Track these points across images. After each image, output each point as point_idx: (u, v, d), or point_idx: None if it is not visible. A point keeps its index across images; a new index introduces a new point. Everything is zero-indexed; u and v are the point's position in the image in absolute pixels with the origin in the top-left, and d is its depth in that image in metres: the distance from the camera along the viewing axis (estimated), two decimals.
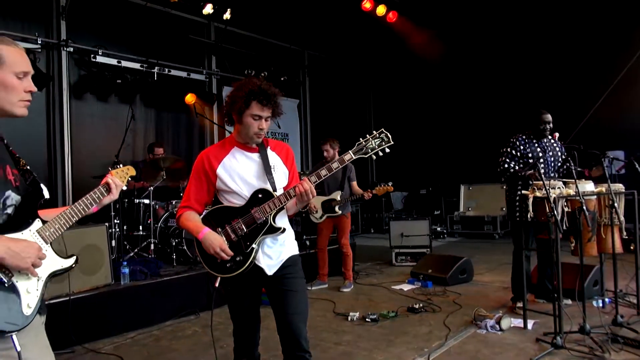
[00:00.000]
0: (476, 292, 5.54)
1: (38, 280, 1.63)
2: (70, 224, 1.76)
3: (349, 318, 4.63)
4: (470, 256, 7.51)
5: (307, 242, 6.84)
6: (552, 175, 4.60)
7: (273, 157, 2.50)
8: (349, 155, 2.35)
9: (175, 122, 8.44)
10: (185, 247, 5.56)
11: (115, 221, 5.61)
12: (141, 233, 5.83)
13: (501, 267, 6.81)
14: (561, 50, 9.35)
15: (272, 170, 2.44)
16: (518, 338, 3.94)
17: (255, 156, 2.45)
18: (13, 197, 1.65)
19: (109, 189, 1.90)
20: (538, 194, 4.00)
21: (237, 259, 2.32)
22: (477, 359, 3.55)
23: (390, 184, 5.55)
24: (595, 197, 4.21)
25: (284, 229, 2.39)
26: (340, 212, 5.79)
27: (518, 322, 4.26)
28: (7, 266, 1.50)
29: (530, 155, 4.63)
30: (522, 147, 4.67)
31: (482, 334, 4.07)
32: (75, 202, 1.80)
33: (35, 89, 1.68)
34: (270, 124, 2.44)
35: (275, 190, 2.39)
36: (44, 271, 1.65)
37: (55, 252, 1.72)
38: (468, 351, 3.71)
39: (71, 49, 6.89)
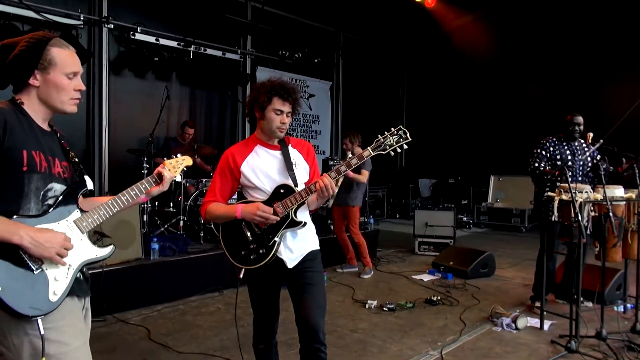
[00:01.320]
0: (496, 287, 5.56)
1: (68, 268, 1.68)
2: (111, 214, 1.82)
3: (367, 306, 4.74)
4: (494, 249, 7.53)
5: (332, 227, 6.93)
6: (580, 179, 4.55)
7: (294, 154, 2.59)
8: (368, 152, 2.42)
9: (208, 101, 8.60)
10: (212, 226, 5.75)
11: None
12: (171, 209, 6.05)
13: (525, 262, 6.78)
14: (603, 48, 9.05)
15: (294, 166, 2.53)
16: (533, 338, 3.97)
17: (277, 153, 2.55)
18: (57, 189, 1.71)
19: (159, 180, 1.96)
20: (564, 197, 3.97)
21: (260, 251, 2.43)
22: (489, 357, 3.61)
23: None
24: (624, 202, 4.14)
25: (305, 223, 2.48)
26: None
27: (535, 322, 4.29)
28: (32, 255, 1.57)
29: (558, 157, 4.62)
30: (551, 149, 4.66)
31: (497, 332, 4.12)
32: (120, 193, 1.85)
33: (84, 87, 1.77)
34: (290, 120, 2.54)
35: (296, 185, 2.48)
36: (75, 260, 1.70)
37: (93, 242, 1.78)
38: (481, 348, 3.78)
39: (111, 26, 7.06)
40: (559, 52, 9.60)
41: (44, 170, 1.66)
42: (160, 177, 1.96)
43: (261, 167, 2.51)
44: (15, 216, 1.57)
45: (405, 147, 2.45)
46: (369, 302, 4.78)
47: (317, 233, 2.68)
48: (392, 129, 2.46)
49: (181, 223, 5.86)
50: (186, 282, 4.96)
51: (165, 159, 2.08)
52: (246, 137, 8.84)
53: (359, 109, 11.16)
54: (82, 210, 1.77)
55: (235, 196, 2.71)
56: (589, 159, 4.67)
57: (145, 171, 5.91)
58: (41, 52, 1.65)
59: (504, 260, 6.89)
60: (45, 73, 1.66)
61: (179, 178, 5.99)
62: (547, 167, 4.61)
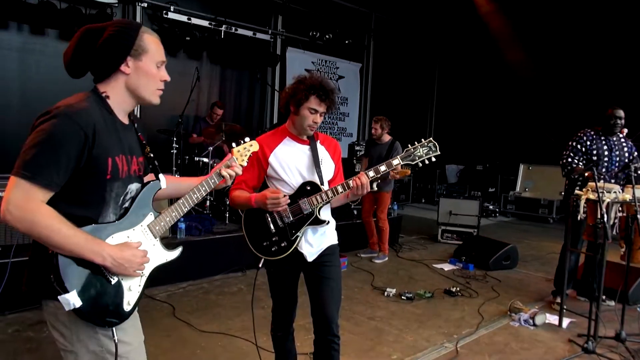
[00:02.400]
0: (517, 281, 5.54)
1: (141, 277, 1.68)
2: (182, 214, 1.79)
3: (385, 293, 4.80)
4: (519, 240, 7.48)
5: (355, 212, 6.99)
6: (615, 176, 4.43)
7: (322, 151, 2.62)
8: (397, 161, 2.43)
9: (238, 81, 8.67)
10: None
11: (177, 176, 6.00)
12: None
13: (549, 255, 6.71)
14: None
15: (321, 163, 2.57)
16: (550, 336, 3.97)
17: (306, 148, 2.57)
18: (132, 189, 1.69)
19: (223, 176, 1.89)
20: (591, 196, 3.91)
21: (282, 244, 2.49)
22: (504, 352, 3.64)
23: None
24: None
25: (328, 222, 2.53)
26: (376, 189, 5.91)
27: (554, 318, 4.28)
28: (113, 273, 1.56)
29: (595, 152, 4.49)
30: (588, 143, 4.53)
31: (515, 327, 4.13)
32: (191, 190, 1.81)
33: (169, 78, 1.69)
34: (323, 118, 2.56)
35: (322, 183, 2.52)
36: (148, 267, 1.69)
37: (163, 246, 1.77)
38: (497, 343, 3.81)
39: (145, 4, 7.15)
40: (598, 40, 9.24)
41: (125, 174, 1.63)
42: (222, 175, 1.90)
43: (288, 161, 2.54)
44: (93, 224, 1.54)
45: (434, 159, 2.46)
46: (387, 289, 4.84)
47: (339, 218, 2.72)
48: (423, 140, 2.46)
49: (208, 203, 6.01)
50: (210, 261, 5.11)
51: (233, 145, 1.98)
52: (274, 119, 9.02)
53: (388, 92, 11.05)
54: (155, 212, 1.75)
55: None
56: (626, 154, 4.55)
57: (175, 151, 6.05)
58: (135, 37, 1.57)
59: (528, 253, 6.83)
60: (138, 60, 1.58)
61: (206, 159, 6.13)
62: (581, 163, 4.50)
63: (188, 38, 7.42)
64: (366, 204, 6.15)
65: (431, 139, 2.47)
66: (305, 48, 9.38)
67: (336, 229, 2.72)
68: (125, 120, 1.70)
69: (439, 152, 2.46)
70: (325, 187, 2.53)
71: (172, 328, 3.78)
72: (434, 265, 6.00)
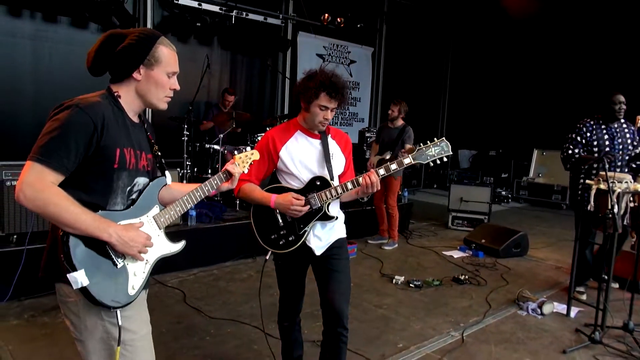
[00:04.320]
0: (527, 269, 5.53)
1: (145, 264, 1.77)
2: (185, 210, 1.90)
3: (394, 281, 4.83)
4: (531, 227, 7.45)
5: (364, 198, 6.99)
6: (620, 164, 4.35)
7: (333, 145, 2.61)
8: (408, 160, 2.43)
9: (249, 67, 8.66)
10: None
11: (187, 163, 6.06)
12: (209, 176, 6.24)
13: (560, 243, 6.68)
14: None
15: (331, 157, 2.56)
16: (557, 325, 3.98)
17: (317, 143, 2.57)
18: (140, 183, 1.80)
19: (229, 177, 2.02)
20: (602, 186, 3.86)
21: (290, 238, 2.51)
22: (510, 342, 3.66)
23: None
24: None
25: (337, 217, 2.55)
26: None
27: (562, 308, 4.28)
28: (118, 251, 1.65)
29: (595, 142, 4.39)
30: (587, 134, 4.41)
31: (522, 316, 4.14)
32: (194, 189, 1.93)
33: (178, 87, 1.82)
34: (334, 114, 2.56)
35: (332, 178, 2.51)
36: (152, 256, 1.79)
37: (167, 237, 1.86)
38: (503, 332, 3.83)
39: None
40: (615, 25, 9.02)
41: (132, 166, 1.74)
42: (229, 174, 2.02)
43: (299, 155, 2.54)
44: (101, 211, 1.64)
45: (445, 160, 2.47)
46: (396, 277, 4.87)
47: (349, 205, 2.71)
48: (435, 139, 2.46)
49: None
50: (221, 248, 5.19)
51: (235, 152, 2.13)
52: (285, 106, 8.99)
53: (400, 77, 10.94)
54: (160, 205, 1.85)
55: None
56: (629, 141, 4.44)
57: (185, 138, 6.10)
58: (150, 48, 1.71)
59: (539, 240, 6.80)
60: (150, 69, 1.72)
61: (217, 146, 6.17)
62: (583, 154, 4.42)
63: (199, 24, 7.42)
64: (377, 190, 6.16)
65: (443, 138, 2.47)
66: (317, 32, 9.31)
67: (345, 215, 2.73)
68: (136, 119, 1.83)
69: (451, 153, 2.47)
70: (335, 182, 2.53)
71: (183, 314, 3.86)
72: (444, 253, 6.01)
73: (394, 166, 2.42)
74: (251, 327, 3.66)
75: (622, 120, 4.45)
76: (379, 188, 2.44)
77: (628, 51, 8.92)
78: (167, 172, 1.92)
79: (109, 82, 1.77)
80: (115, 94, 1.74)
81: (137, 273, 1.74)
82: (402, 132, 5.89)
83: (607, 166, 3.80)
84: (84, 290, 1.58)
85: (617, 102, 4.36)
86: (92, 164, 1.63)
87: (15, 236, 4.07)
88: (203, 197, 1.95)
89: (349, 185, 2.42)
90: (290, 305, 2.73)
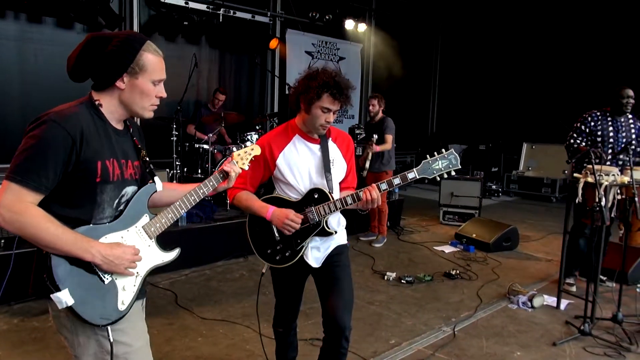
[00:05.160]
0: (517, 262, 5.57)
1: (136, 277, 1.71)
2: (178, 216, 1.81)
3: (386, 277, 4.85)
4: (521, 220, 7.51)
5: (365, 211, 6.99)
6: (622, 157, 4.39)
7: (333, 150, 2.46)
8: (413, 174, 2.29)
9: (238, 65, 8.62)
10: None
11: (177, 163, 6.03)
12: (200, 176, 6.22)
13: (550, 236, 6.74)
14: None
15: (331, 165, 2.41)
16: (548, 318, 4.02)
17: (316, 148, 2.42)
18: (129, 192, 1.72)
19: (225, 177, 1.91)
20: (590, 179, 3.90)
21: (286, 253, 2.38)
22: (501, 335, 3.68)
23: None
24: None
25: (336, 232, 2.41)
26: (364, 174, 5.96)
27: (552, 300, 4.32)
28: (104, 271, 1.60)
29: (600, 133, 4.45)
30: (592, 124, 4.48)
31: (513, 310, 4.17)
32: (188, 193, 1.82)
33: (165, 94, 1.72)
34: (336, 116, 2.41)
35: (331, 189, 2.37)
36: (143, 268, 1.73)
37: (159, 247, 1.79)
38: (494, 326, 3.85)
39: None
40: (603, 19, 9.10)
41: (117, 178, 1.66)
42: (226, 174, 1.91)
43: (298, 164, 2.39)
44: (85, 226, 1.58)
45: (453, 174, 2.31)
46: (387, 273, 4.89)
47: None
48: (444, 151, 2.31)
49: None
50: (212, 248, 5.17)
51: (234, 149, 2.05)
52: (275, 104, 8.96)
53: (390, 73, 10.94)
54: (151, 214, 1.77)
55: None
56: (633, 136, 4.50)
57: (175, 138, 6.07)
58: (134, 56, 1.60)
59: (529, 233, 6.86)
60: (134, 78, 1.62)
61: (206, 145, 6.14)
62: (583, 143, 4.47)
63: (186, 23, 7.36)
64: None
65: (452, 150, 2.31)
66: (305, 29, 9.28)
67: (342, 215, 2.57)
68: (120, 127, 1.74)
69: (460, 167, 2.32)
70: (335, 192, 2.41)
71: (175, 316, 3.85)
72: (435, 248, 6.04)
73: (397, 180, 2.28)
74: (243, 327, 3.66)
75: (630, 116, 4.52)
76: (380, 203, 2.31)
77: (618, 45, 8.99)
78: (156, 178, 1.82)
79: (91, 88, 1.68)
80: (97, 102, 1.65)
81: (127, 287, 1.68)
82: (381, 124, 5.94)
83: (609, 153, 3.83)
84: (70, 309, 1.54)
85: (625, 96, 4.43)
86: (73, 179, 1.57)
87: (3, 240, 4.04)
88: (198, 200, 1.85)
89: (349, 200, 2.27)
90: (285, 313, 2.65)
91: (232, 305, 4.10)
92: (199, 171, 6.26)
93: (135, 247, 1.68)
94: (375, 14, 10.54)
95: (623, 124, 4.49)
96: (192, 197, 1.83)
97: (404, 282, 4.73)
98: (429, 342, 3.55)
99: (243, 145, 2.10)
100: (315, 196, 2.36)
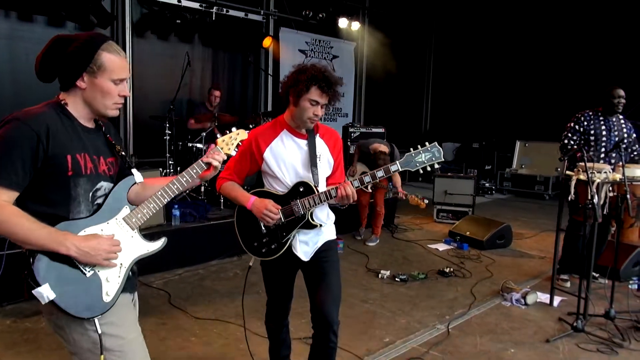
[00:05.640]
0: (511, 259, 5.59)
1: (120, 268, 1.71)
2: (161, 205, 1.81)
3: (380, 275, 4.85)
4: (515, 218, 7.54)
5: (344, 206, 6.98)
6: (615, 155, 4.41)
7: (320, 145, 2.51)
8: (396, 167, 2.34)
9: (231, 63, 8.58)
10: None
11: (170, 162, 6.00)
12: None
13: (543, 233, 6.76)
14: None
15: (318, 160, 2.46)
16: (541, 315, 4.03)
17: (303, 143, 2.47)
18: (105, 187, 1.74)
19: (209, 166, 1.88)
20: (582, 176, 3.92)
21: (272, 246, 2.43)
22: (495, 333, 3.70)
23: (425, 201, 5.37)
24: None
25: (321, 225, 2.45)
26: (370, 191, 5.96)
27: (545, 297, 4.33)
28: (82, 263, 1.61)
29: (592, 132, 4.49)
30: (585, 124, 4.54)
31: (506, 307, 4.19)
32: (170, 181, 1.82)
33: (128, 93, 1.76)
34: (325, 111, 2.44)
35: (317, 183, 2.42)
36: (126, 258, 1.73)
37: (143, 237, 1.80)
38: (488, 323, 3.87)
39: None
40: (597, 17, 9.15)
41: (90, 171, 1.68)
42: (209, 164, 1.89)
43: (285, 158, 2.44)
44: (64, 222, 1.60)
45: (437, 166, 2.36)
46: (381, 272, 4.89)
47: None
48: (427, 144, 2.35)
49: (202, 188, 6.02)
50: (206, 247, 5.15)
51: (218, 135, 2.02)
52: (268, 103, 8.94)
53: (384, 72, 10.95)
54: (131, 205, 1.79)
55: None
56: (625, 135, 4.53)
57: (167, 137, 6.04)
58: (92, 55, 1.64)
59: (523, 230, 6.89)
60: (93, 77, 1.65)
61: (200, 144, 6.12)
62: (575, 145, 4.50)
63: (179, 21, 7.31)
64: (365, 193, 6.05)
65: (435, 143, 2.36)
66: (299, 28, 9.26)
67: (331, 210, 2.62)
68: (90, 125, 1.77)
69: (443, 159, 2.36)
70: (321, 187, 2.44)
71: (168, 315, 3.83)
72: (429, 246, 6.05)
73: (367, 178, 2.34)
74: (237, 327, 3.65)
75: (621, 116, 4.56)
76: (356, 199, 2.34)
77: (609, 44, 9.03)
78: (134, 171, 1.84)
79: (59, 89, 1.72)
80: (63, 102, 1.68)
81: (111, 279, 1.69)
82: (392, 153, 6.03)
83: (601, 152, 3.85)
84: (55, 304, 1.55)
85: (617, 96, 4.47)
86: (45, 175, 1.59)
87: None
88: (182, 189, 1.85)
89: (333, 193, 2.33)
90: (277, 309, 2.68)
91: (225, 304, 4.08)
92: None
93: (113, 237, 1.69)
94: (368, 12, 10.53)
95: (615, 123, 4.54)
96: (175, 186, 1.83)
97: (398, 280, 4.73)
98: (423, 340, 3.55)
99: (228, 132, 2.05)
100: (301, 189, 2.41)
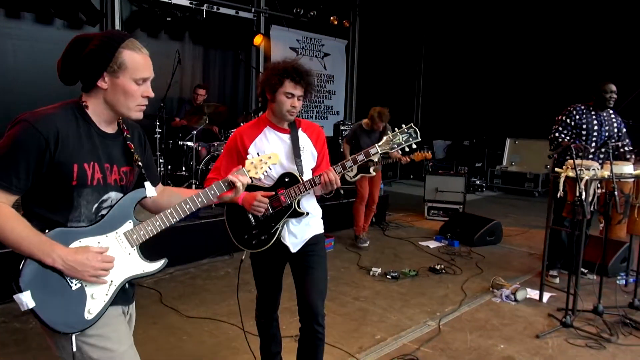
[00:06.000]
0: (501, 256, 5.64)
1: (109, 286, 1.63)
2: (168, 225, 1.72)
3: (371, 273, 4.87)
4: (505, 215, 7.60)
5: (342, 192, 6.99)
6: (604, 150, 4.45)
7: (303, 139, 2.58)
8: (375, 149, 2.44)
9: (222, 61, 8.56)
10: None
11: (161, 161, 5.97)
12: (184, 173, 6.18)
13: (533, 230, 6.83)
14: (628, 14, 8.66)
15: (301, 152, 2.54)
16: (531, 311, 4.07)
17: (286, 137, 2.54)
18: (113, 198, 1.67)
19: (232, 187, 1.80)
20: (570, 173, 3.95)
21: (262, 237, 2.49)
22: (485, 329, 3.73)
23: (428, 151, 5.39)
24: (632, 179, 4.11)
25: (308, 213, 2.52)
26: (374, 173, 5.76)
27: (535, 293, 4.37)
28: (68, 277, 1.54)
29: (584, 127, 4.51)
30: (577, 117, 4.54)
31: (496, 303, 4.23)
32: (183, 200, 1.74)
33: (152, 94, 1.67)
34: (302, 103, 2.52)
35: (302, 173, 2.49)
36: (118, 276, 1.65)
37: (142, 256, 1.72)
38: (478, 319, 3.90)
39: None
40: (585, 15, 9.22)
41: (97, 182, 1.62)
42: (232, 184, 1.80)
43: (269, 151, 2.46)
44: (60, 228, 1.55)
45: (414, 146, 2.47)
46: (373, 269, 4.91)
47: (326, 199, 2.68)
48: (403, 126, 2.45)
49: (193, 187, 6.00)
50: (197, 245, 5.14)
51: (249, 157, 1.92)
52: (259, 101, 8.91)
53: (375, 69, 10.98)
54: (136, 220, 1.70)
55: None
56: (615, 130, 4.57)
57: (158, 135, 6.01)
58: (112, 54, 1.56)
59: (513, 227, 6.94)
60: (114, 77, 1.57)
61: (190, 143, 6.10)
62: (567, 137, 4.52)
63: (169, 19, 7.30)
64: (363, 188, 5.80)
65: (412, 124, 2.47)
66: (290, 25, 9.25)
67: (322, 209, 2.71)
68: (110, 130, 1.70)
69: (420, 139, 2.46)
70: (306, 177, 2.51)
71: (159, 315, 3.82)
72: (420, 243, 6.08)
73: (349, 163, 2.44)
74: (229, 325, 3.65)
75: (611, 111, 4.59)
76: (338, 185, 2.41)
77: (598, 41, 9.10)
78: (147, 184, 1.73)
79: (81, 91, 1.65)
80: (84, 104, 1.62)
81: (97, 296, 1.60)
82: (384, 129, 5.63)
83: (592, 147, 3.89)
84: (33, 313, 1.50)
85: (609, 91, 4.48)
86: (49, 181, 1.55)
87: None
88: (194, 209, 1.76)
89: (317, 180, 2.41)
90: (267, 302, 2.73)
91: (217, 303, 4.08)
92: (183, 169, 6.21)
93: (106, 253, 1.61)
94: (360, 10, 10.54)
95: (605, 118, 4.56)
96: (187, 205, 1.74)
97: (390, 277, 4.76)
98: (414, 336, 3.58)
99: (258, 154, 1.99)
100: (286, 180, 2.49)
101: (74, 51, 1.59)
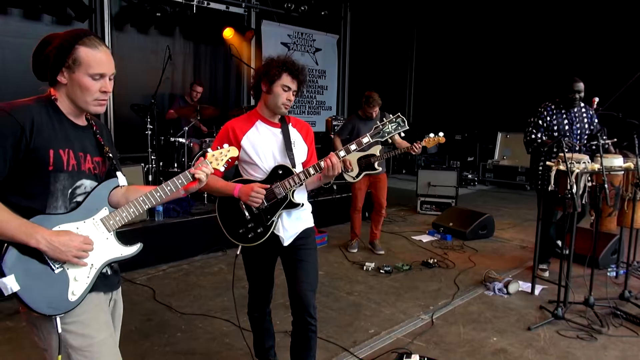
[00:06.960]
0: (493, 249, 5.67)
1: (90, 268, 1.69)
2: (141, 211, 1.80)
3: (365, 268, 4.88)
4: (497, 208, 7.64)
5: (335, 187, 7.00)
6: (578, 148, 4.48)
7: (294, 133, 2.62)
8: (367, 139, 2.47)
9: (213, 56, 8.52)
10: None
11: (152, 157, 5.94)
12: (176, 170, 6.14)
13: (525, 223, 6.87)
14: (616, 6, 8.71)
15: (293, 145, 2.57)
16: (523, 303, 4.11)
17: (277, 131, 2.57)
18: (87, 185, 1.73)
19: (195, 178, 1.87)
20: (562, 167, 3.98)
21: (258, 230, 2.51)
22: (478, 322, 3.75)
23: (441, 134, 4.90)
24: (622, 172, 4.15)
25: (303, 204, 2.55)
26: (380, 169, 5.32)
27: (526, 286, 4.41)
28: (51, 258, 1.59)
29: (555, 127, 4.51)
30: (548, 118, 4.52)
31: (489, 296, 4.25)
32: (154, 189, 1.81)
33: (110, 89, 1.70)
34: (294, 99, 2.57)
35: (294, 166, 2.53)
36: (98, 259, 1.71)
37: (119, 241, 1.78)
38: (471, 312, 3.92)
39: None
40: (575, 10, 9.26)
41: (72, 168, 1.68)
42: (194, 176, 1.87)
43: (261, 144, 2.54)
44: (39, 215, 1.60)
45: (403, 135, 2.52)
46: (366, 264, 4.92)
47: (319, 193, 2.70)
48: (391, 115, 2.51)
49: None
50: (190, 242, 5.12)
51: (209, 150, 2.00)
52: (251, 97, 8.86)
53: (366, 64, 10.97)
54: (111, 207, 1.78)
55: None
56: (586, 126, 4.57)
57: (149, 132, 5.97)
58: (69, 51, 1.63)
59: (505, 221, 6.98)
60: (71, 72, 1.65)
61: (182, 139, 6.07)
62: (544, 137, 4.53)
63: (159, 14, 7.25)
64: (362, 191, 5.38)
65: (399, 114, 2.53)
66: (281, 20, 9.22)
67: (316, 204, 2.74)
68: (80, 122, 1.77)
69: (408, 127, 2.52)
70: (298, 169, 2.53)
71: (153, 312, 3.81)
72: (413, 237, 6.10)
73: (353, 147, 2.46)
74: (223, 321, 3.65)
75: (582, 105, 4.58)
76: (340, 171, 2.44)
77: (589, 35, 9.14)
78: (119, 174, 1.83)
79: (49, 85, 1.72)
80: (53, 97, 1.69)
81: (79, 278, 1.67)
82: (383, 120, 5.46)
83: (565, 147, 3.90)
84: (17, 297, 1.54)
85: (573, 91, 4.44)
86: (26, 167, 1.59)
87: None
88: (164, 197, 1.84)
89: (311, 171, 2.43)
90: (259, 296, 2.75)
91: (211, 299, 4.07)
92: (175, 165, 6.18)
93: (87, 236, 1.67)
94: (351, 4, 10.51)
95: (576, 114, 4.52)
96: (158, 194, 1.82)
97: (383, 272, 4.77)
98: (407, 330, 3.59)
99: (218, 147, 2.05)
100: (280, 172, 2.52)
101: (41, 47, 1.68)
